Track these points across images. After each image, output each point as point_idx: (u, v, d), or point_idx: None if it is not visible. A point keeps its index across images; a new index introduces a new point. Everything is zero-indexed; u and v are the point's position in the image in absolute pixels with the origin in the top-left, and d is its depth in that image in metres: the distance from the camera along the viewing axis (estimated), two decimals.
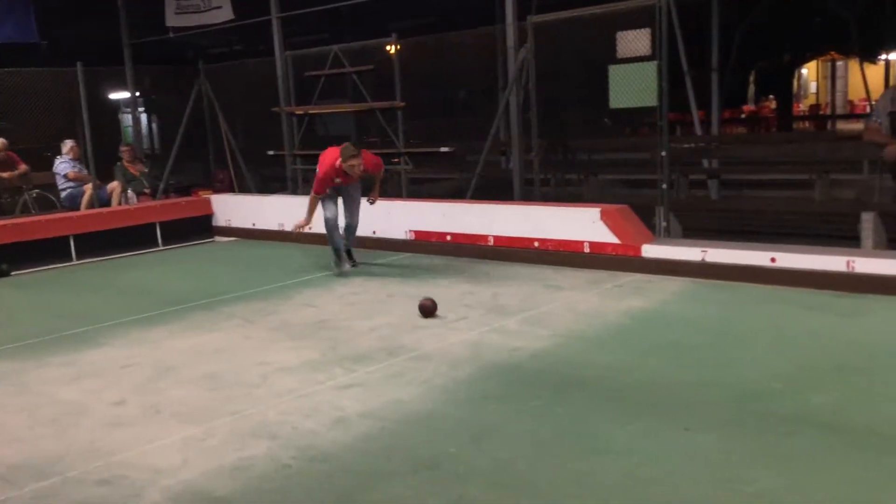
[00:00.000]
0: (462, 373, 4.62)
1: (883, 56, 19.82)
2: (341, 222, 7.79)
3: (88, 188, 11.11)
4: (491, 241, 8.11)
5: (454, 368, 4.70)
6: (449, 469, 3.41)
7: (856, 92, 22.84)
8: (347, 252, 7.85)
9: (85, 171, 11.31)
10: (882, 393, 4.00)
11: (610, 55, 7.85)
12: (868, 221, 6.85)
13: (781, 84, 21.38)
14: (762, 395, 4.04)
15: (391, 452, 3.60)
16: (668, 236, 7.55)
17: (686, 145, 11.92)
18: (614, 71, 7.81)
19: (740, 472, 3.23)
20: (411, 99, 9.73)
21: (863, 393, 4.01)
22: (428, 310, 5.85)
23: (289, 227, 9.83)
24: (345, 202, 7.73)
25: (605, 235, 7.29)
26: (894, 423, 3.62)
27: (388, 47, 9.87)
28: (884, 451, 3.36)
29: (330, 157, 7.42)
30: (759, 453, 3.39)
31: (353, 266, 7.84)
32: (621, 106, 7.99)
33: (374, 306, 6.38)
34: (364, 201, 7.86)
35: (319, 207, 7.57)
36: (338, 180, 7.45)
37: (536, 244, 7.76)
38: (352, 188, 7.68)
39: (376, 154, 8.10)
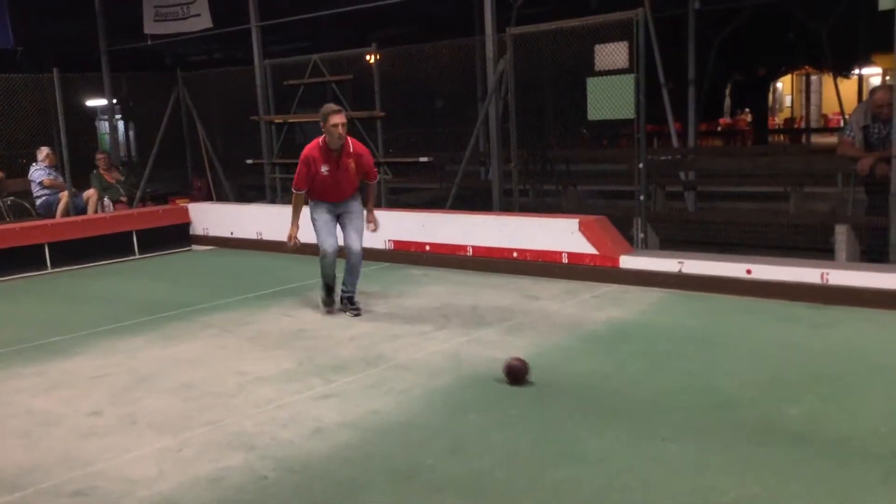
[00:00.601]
0: (440, 383, 4.62)
1: (856, 70, 20.17)
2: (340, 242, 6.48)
3: (64, 196, 10.99)
4: (469, 252, 8.13)
5: (432, 378, 4.70)
6: (427, 479, 3.41)
7: (830, 106, 23.22)
8: (349, 299, 6.40)
9: (60, 179, 11.20)
10: (853, 403, 4.05)
11: (588, 67, 7.93)
12: (842, 234, 6.96)
13: (757, 97, 21.70)
14: (737, 404, 4.08)
15: (369, 463, 3.59)
16: (645, 247, 7.61)
17: (663, 157, 12.04)
18: (592, 83, 7.88)
19: (716, 482, 3.26)
20: (391, 108, 9.75)
21: (835, 403, 4.07)
22: (518, 372, 4.49)
23: (267, 237, 9.85)
24: (344, 228, 6.36)
25: (583, 246, 7.34)
26: (866, 432, 3.68)
27: (367, 57, 9.90)
28: (855, 459, 3.40)
29: (311, 144, 6.28)
30: (734, 462, 3.42)
31: (356, 314, 6.30)
32: (599, 118, 8.07)
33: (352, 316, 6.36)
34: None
35: (307, 215, 6.33)
36: (325, 169, 6.13)
37: (515, 254, 7.79)
38: (352, 211, 6.33)
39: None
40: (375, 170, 6.57)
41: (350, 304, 6.38)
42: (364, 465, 3.57)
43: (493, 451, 3.66)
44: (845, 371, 4.54)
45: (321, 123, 6.12)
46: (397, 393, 4.48)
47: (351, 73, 10.04)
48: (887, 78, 21.39)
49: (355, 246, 6.29)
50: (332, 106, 6.19)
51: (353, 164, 6.25)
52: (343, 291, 6.40)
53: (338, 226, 6.39)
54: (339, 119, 6.06)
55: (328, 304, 6.49)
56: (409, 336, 5.66)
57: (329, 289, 6.45)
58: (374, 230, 6.48)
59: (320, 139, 6.20)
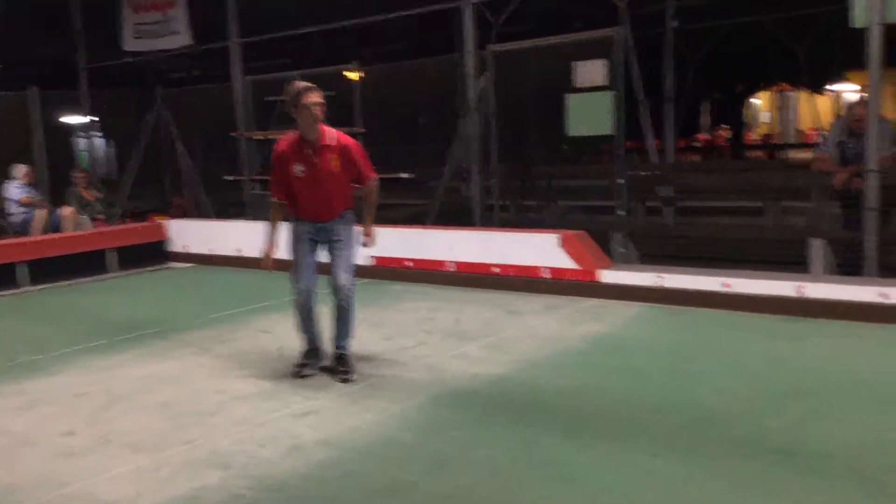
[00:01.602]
0: (421, 399, 4.60)
1: (832, 87, 20.48)
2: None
3: (41, 213, 10.89)
4: (451, 267, 8.13)
5: (413, 395, 4.68)
6: (406, 497, 3.38)
7: (806, 122, 23.53)
8: (339, 357, 5.11)
9: (38, 196, 11.10)
10: (832, 416, 4.08)
11: (568, 84, 8.00)
12: (817, 248, 7.03)
13: (734, 114, 21.96)
14: (718, 418, 4.10)
15: (348, 481, 3.56)
16: (625, 262, 7.65)
17: (642, 173, 12.12)
18: (572, 100, 7.95)
19: (700, 497, 3.26)
20: (372, 125, 9.76)
21: (814, 416, 4.09)
22: None
23: (246, 253, 9.80)
24: (331, 259, 5.09)
25: (565, 261, 7.37)
26: (846, 445, 3.70)
27: (349, 73, 9.92)
28: (837, 473, 3.42)
29: (283, 137, 5.09)
30: (718, 477, 3.42)
31: (344, 379, 4.95)
32: (579, 134, 8.14)
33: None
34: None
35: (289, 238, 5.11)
36: (299, 169, 4.88)
37: (496, 270, 7.80)
38: (341, 237, 5.05)
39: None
40: (371, 167, 5.10)
41: (340, 365, 5.06)
42: (342, 483, 3.55)
43: (475, 468, 3.64)
44: (822, 384, 4.58)
45: (291, 109, 4.85)
46: (377, 410, 4.45)
47: (332, 89, 10.06)
48: (863, 94, 21.74)
49: (340, 280, 4.99)
50: (302, 82, 4.92)
51: (336, 161, 4.92)
52: (336, 347, 5.17)
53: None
54: (316, 97, 4.79)
55: (303, 364, 5.15)
56: (390, 352, 5.64)
57: (308, 345, 5.21)
58: (368, 246, 5.28)
59: (297, 132, 4.95)
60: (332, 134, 4.96)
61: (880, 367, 4.89)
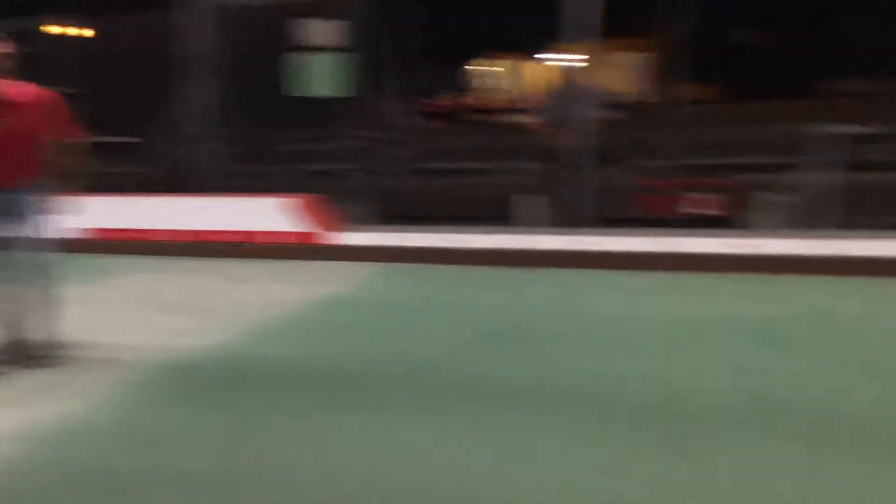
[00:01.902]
0: (129, 379, 4.18)
1: (550, 55, 22.15)
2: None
3: None
4: (176, 236, 7.60)
5: (122, 375, 4.24)
6: (117, 484, 3.03)
7: (529, 88, 25.29)
8: (38, 342, 4.45)
9: None
10: (552, 355, 4.33)
11: (302, 43, 7.79)
12: (533, 203, 7.52)
13: (469, 80, 23.04)
14: (445, 366, 4.16)
15: (41, 472, 3.11)
16: (361, 223, 7.64)
17: (380, 135, 12.24)
18: (305, 60, 7.75)
19: (429, 444, 3.25)
20: (85, 85, 8.81)
21: (533, 356, 4.31)
22: None
23: None
24: (24, 230, 4.30)
25: (297, 225, 7.19)
26: (554, 381, 3.92)
27: (55, 28, 8.88)
28: (560, 408, 3.58)
29: None
30: (447, 424, 3.45)
31: (43, 364, 4.38)
32: (312, 95, 7.97)
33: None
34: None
35: None
36: None
37: (225, 237, 7.42)
38: (28, 210, 4.31)
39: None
40: (74, 127, 4.38)
41: (38, 350, 4.43)
42: (35, 475, 3.07)
43: (191, 446, 3.36)
44: (544, 325, 4.88)
45: None
46: (81, 395, 3.97)
47: (33, 45, 8.94)
48: (576, 63, 23.70)
49: (36, 257, 4.33)
50: None
51: (21, 120, 4.25)
52: (34, 331, 4.48)
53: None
54: None
55: None
56: (95, 330, 5.09)
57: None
58: (64, 215, 4.45)
59: None
60: (17, 89, 4.24)
61: (609, 308, 5.34)
